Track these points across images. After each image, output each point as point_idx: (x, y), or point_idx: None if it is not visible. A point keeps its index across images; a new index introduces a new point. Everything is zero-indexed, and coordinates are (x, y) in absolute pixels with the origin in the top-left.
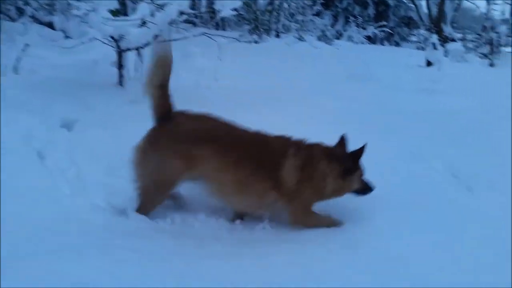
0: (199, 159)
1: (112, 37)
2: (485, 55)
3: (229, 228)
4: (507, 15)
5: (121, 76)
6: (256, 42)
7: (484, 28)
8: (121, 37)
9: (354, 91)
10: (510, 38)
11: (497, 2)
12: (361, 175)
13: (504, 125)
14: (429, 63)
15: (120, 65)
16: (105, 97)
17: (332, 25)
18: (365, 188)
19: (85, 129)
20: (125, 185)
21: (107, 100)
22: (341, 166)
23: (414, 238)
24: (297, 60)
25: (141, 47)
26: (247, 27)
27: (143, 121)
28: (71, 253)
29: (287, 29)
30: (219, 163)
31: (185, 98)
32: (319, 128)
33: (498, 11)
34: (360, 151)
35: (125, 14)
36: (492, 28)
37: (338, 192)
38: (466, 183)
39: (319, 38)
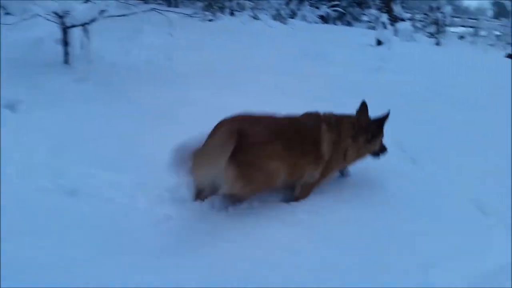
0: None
1: (56, 13)
2: (432, 35)
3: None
4: None
5: (66, 54)
6: (210, 20)
7: (431, 9)
8: (66, 13)
9: (308, 70)
10: (455, 19)
11: None
12: (382, 138)
13: (447, 102)
14: (379, 42)
15: (65, 43)
16: (50, 76)
17: (287, 4)
18: (382, 150)
19: (30, 110)
20: (73, 166)
21: (52, 79)
22: (368, 135)
23: (360, 208)
24: (252, 39)
25: (87, 23)
26: (200, 4)
27: (89, 100)
28: (21, 236)
29: (241, 8)
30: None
31: (136, 77)
32: (274, 105)
33: None
34: (385, 118)
35: None
36: (438, 9)
37: (362, 156)
38: (411, 155)
39: (274, 17)
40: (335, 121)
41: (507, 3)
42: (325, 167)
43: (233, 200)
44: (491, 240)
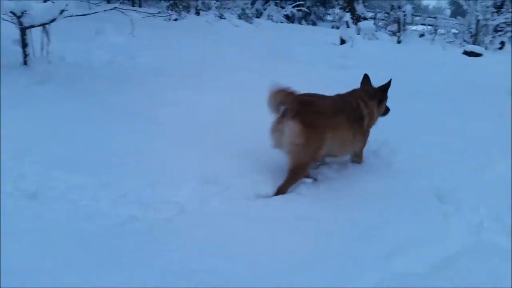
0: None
1: (13, 13)
2: (393, 33)
3: None
4: None
5: (25, 55)
6: (175, 19)
7: (392, 7)
8: (24, 13)
9: (277, 68)
10: (415, 17)
11: None
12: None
13: (408, 96)
14: (343, 41)
15: (24, 44)
16: (9, 78)
17: (252, 4)
18: (387, 111)
19: None
20: (35, 168)
21: (12, 81)
22: (379, 100)
23: (323, 200)
24: (218, 38)
25: (47, 24)
26: (165, 3)
27: (50, 101)
28: None
29: (207, 7)
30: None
31: (98, 77)
32: (238, 102)
33: None
34: (388, 85)
35: None
36: (399, 8)
37: (377, 118)
38: (372, 148)
39: (239, 17)
40: (360, 96)
41: (463, 2)
42: (364, 135)
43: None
44: (449, 227)
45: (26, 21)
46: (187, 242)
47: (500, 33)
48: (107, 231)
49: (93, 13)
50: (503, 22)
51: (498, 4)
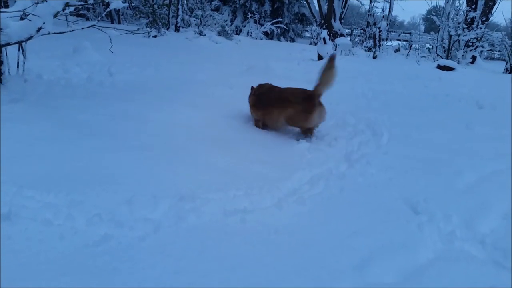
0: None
1: None
2: (369, 49)
3: None
4: (386, 12)
5: (0, 73)
6: (155, 36)
7: (368, 24)
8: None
9: (251, 83)
10: (390, 33)
11: (378, 0)
12: None
13: (382, 108)
14: (320, 57)
15: None
16: None
17: (232, 21)
18: None
19: None
20: (6, 188)
21: None
22: None
23: (293, 213)
24: (198, 54)
25: (23, 41)
26: (144, 20)
27: (24, 120)
28: None
29: (187, 24)
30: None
31: (75, 95)
32: (217, 118)
33: (379, 8)
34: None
35: (5, 6)
36: (375, 24)
37: None
38: (346, 157)
39: (219, 33)
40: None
41: (436, 19)
42: None
43: None
44: (422, 237)
45: (2, 39)
46: (162, 259)
47: (471, 48)
48: (81, 250)
49: (71, 31)
50: (474, 38)
51: (469, 20)
